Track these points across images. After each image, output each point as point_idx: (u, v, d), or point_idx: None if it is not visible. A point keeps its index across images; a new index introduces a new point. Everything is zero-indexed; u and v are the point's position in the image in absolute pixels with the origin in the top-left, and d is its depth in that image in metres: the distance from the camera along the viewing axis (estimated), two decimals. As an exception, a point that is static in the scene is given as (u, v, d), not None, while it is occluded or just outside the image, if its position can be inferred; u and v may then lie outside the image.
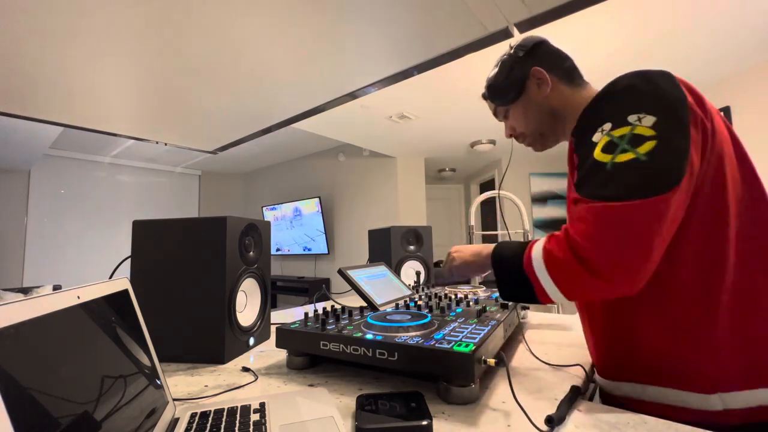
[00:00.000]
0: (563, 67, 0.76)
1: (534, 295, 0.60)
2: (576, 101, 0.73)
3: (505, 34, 0.71)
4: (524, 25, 0.68)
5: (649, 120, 0.54)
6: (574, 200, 0.58)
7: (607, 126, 0.57)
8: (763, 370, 0.55)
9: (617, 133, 0.56)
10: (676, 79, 0.58)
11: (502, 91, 0.79)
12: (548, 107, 0.76)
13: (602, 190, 0.54)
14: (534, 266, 0.59)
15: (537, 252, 0.59)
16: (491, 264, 0.69)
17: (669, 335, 0.58)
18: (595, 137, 0.58)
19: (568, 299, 0.58)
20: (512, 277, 0.63)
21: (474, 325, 0.70)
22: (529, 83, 0.76)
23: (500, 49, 0.79)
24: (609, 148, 0.56)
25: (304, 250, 4.86)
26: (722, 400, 0.55)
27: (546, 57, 0.76)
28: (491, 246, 0.72)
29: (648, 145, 0.53)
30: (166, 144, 1.31)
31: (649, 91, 0.57)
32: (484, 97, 0.85)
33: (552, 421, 0.50)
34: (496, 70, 0.79)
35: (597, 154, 0.57)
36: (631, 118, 0.55)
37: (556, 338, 0.93)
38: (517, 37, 0.76)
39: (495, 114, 0.86)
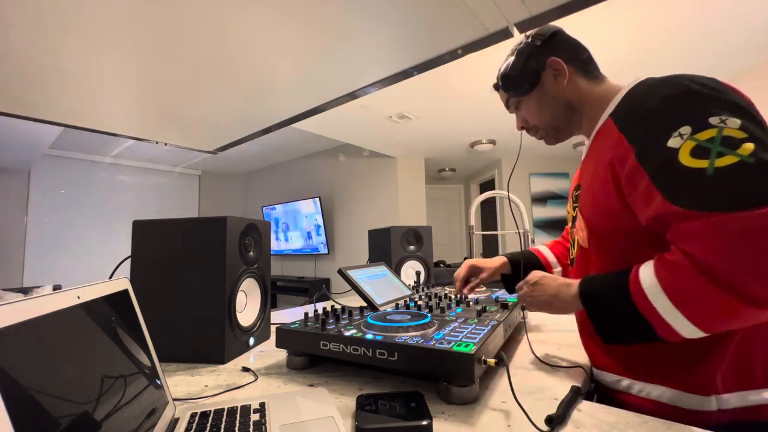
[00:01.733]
0: (580, 59, 0.73)
1: (653, 333, 0.53)
2: (594, 95, 0.70)
3: (505, 34, 0.70)
4: (524, 25, 0.68)
5: (734, 122, 0.49)
6: (665, 215, 0.51)
7: (686, 129, 0.51)
8: (753, 374, 0.56)
9: (703, 136, 0.50)
10: (723, 82, 0.55)
11: (517, 82, 0.75)
12: (564, 100, 0.73)
13: (718, 199, 0.47)
14: (652, 301, 0.52)
15: (650, 283, 0.52)
16: (583, 305, 0.62)
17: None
18: (672, 142, 0.52)
19: (707, 333, 0.50)
20: (619, 317, 0.56)
21: (474, 325, 0.70)
22: (545, 74, 0.73)
23: (500, 49, 0.78)
24: (699, 152, 0.49)
25: (304, 250, 4.86)
26: (717, 402, 0.56)
27: (563, 47, 0.73)
28: (574, 284, 0.65)
29: (748, 147, 0.47)
30: (166, 144, 1.31)
31: (717, 95, 0.53)
32: (496, 87, 0.82)
33: (552, 421, 0.50)
34: (512, 58, 0.76)
35: (685, 160, 0.50)
36: (713, 120, 0.50)
37: (556, 338, 0.93)
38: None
39: (506, 105, 0.83)
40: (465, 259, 1.62)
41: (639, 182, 0.55)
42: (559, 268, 1.02)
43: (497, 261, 1.03)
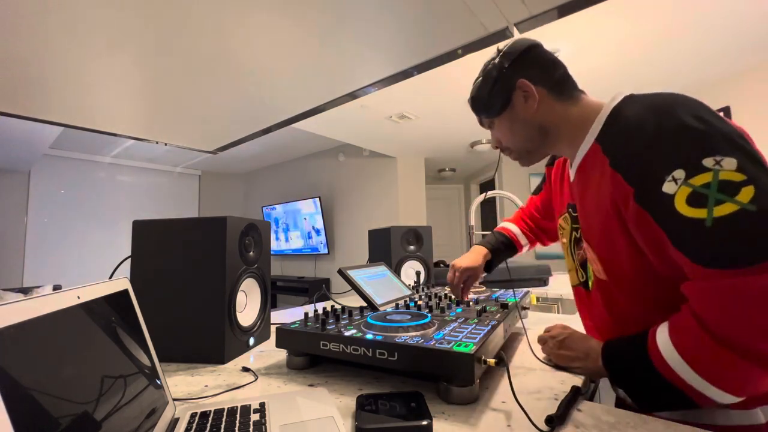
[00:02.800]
0: (553, 79, 0.69)
1: (690, 401, 0.50)
2: (571, 118, 0.68)
3: (505, 34, 0.70)
4: (524, 25, 0.68)
5: (730, 163, 0.46)
6: (678, 261, 0.50)
7: (680, 173, 0.48)
8: None
9: (698, 181, 0.47)
10: (710, 109, 0.53)
11: (485, 105, 0.73)
12: (536, 123, 0.70)
13: (721, 254, 0.45)
14: (678, 372, 0.49)
15: (669, 352, 0.50)
16: (608, 375, 0.60)
17: None
18: (667, 188, 0.49)
19: (742, 398, 0.49)
20: (647, 385, 0.54)
21: (474, 325, 0.70)
22: (515, 96, 0.70)
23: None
24: (696, 200, 0.47)
25: (304, 250, 4.86)
26: (764, 413, 0.54)
27: (534, 67, 0.69)
28: (598, 347, 0.64)
29: (747, 193, 0.45)
30: (166, 144, 1.31)
31: (710, 129, 0.49)
32: (470, 103, 0.79)
33: (552, 421, 0.50)
34: (480, 80, 0.73)
35: (682, 209, 0.48)
36: (707, 162, 0.47)
37: (556, 338, 0.93)
38: (507, 40, 0.71)
39: (480, 123, 0.81)
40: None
41: (646, 225, 0.53)
42: (527, 245, 1.07)
43: (481, 256, 1.02)
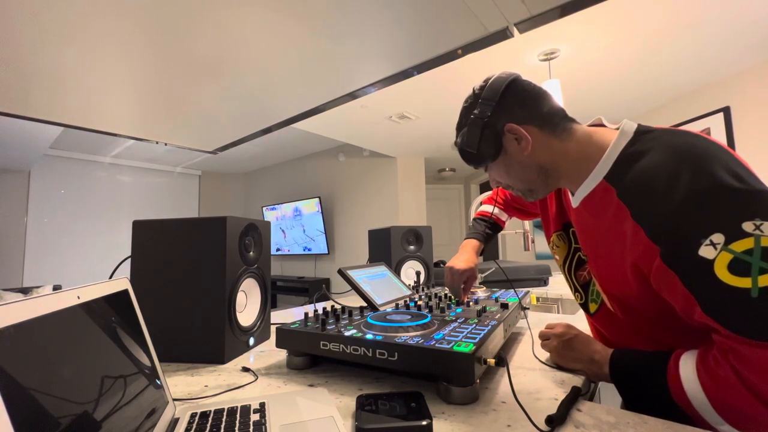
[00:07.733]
0: (541, 114, 0.65)
1: (691, 422, 0.51)
2: (569, 154, 0.65)
3: (505, 34, 0.70)
4: (524, 25, 0.67)
5: None
6: (710, 324, 0.49)
7: (719, 238, 0.46)
8: None
9: (739, 247, 0.45)
10: (738, 158, 0.51)
11: (477, 156, 0.68)
12: (534, 164, 0.66)
13: None
14: (696, 407, 0.50)
15: (693, 390, 0.50)
16: (615, 385, 0.61)
17: None
18: (705, 252, 0.47)
19: None
20: (651, 401, 0.56)
21: (474, 325, 0.70)
22: (506, 141, 0.66)
23: (502, 48, 0.77)
24: (738, 268, 0.45)
25: (304, 250, 4.86)
26: None
27: (518, 107, 0.65)
28: (605, 354, 0.64)
29: None
30: (166, 144, 1.31)
31: (746, 188, 0.47)
32: (459, 153, 0.73)
33: (552, 421, 0.50)
34: (466, 130, 0.68)
35: (723, 276, 0.46)
36: (747, 227, 0.45)
37: (556, 338, 0.93)
38: (483, 80, 0.67)
39: (474, 167, 0.77)
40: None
41: (672, 285, 0.51)
42: (507, 219, 1.13)
43: (474, 252, 1.02)
